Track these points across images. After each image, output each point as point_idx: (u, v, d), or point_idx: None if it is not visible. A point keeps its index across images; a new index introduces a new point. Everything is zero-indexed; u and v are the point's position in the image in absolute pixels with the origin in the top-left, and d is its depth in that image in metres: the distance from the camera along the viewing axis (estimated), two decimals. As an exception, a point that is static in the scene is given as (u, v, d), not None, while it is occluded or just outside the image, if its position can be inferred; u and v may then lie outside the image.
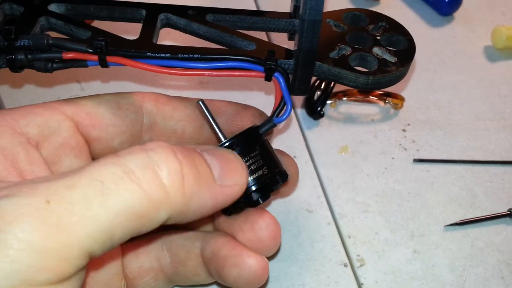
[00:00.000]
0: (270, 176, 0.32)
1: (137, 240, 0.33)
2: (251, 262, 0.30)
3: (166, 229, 0.32)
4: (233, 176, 0.27)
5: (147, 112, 0.33)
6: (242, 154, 0.31)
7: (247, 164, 0.31)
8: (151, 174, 0.23)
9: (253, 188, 0.31)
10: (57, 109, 0.30)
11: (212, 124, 0.32)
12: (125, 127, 0.32)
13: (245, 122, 0.35)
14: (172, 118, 0.33)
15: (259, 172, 0.32)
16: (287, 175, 0.34)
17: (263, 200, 0.32)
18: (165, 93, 0.35)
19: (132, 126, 0.32)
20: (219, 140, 0.32)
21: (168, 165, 0.24)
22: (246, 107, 0.36)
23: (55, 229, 0.21)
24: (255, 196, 0.32)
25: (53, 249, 0.20)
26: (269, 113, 0.34)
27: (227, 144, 0.31)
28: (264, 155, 0.32)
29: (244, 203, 0.32)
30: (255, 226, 0.32)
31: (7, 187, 0.22)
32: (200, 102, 0.32)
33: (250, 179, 0.31)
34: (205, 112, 0.32)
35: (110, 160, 0.23)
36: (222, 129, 0.32)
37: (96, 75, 0.49)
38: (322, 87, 0.47)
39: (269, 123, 0.33)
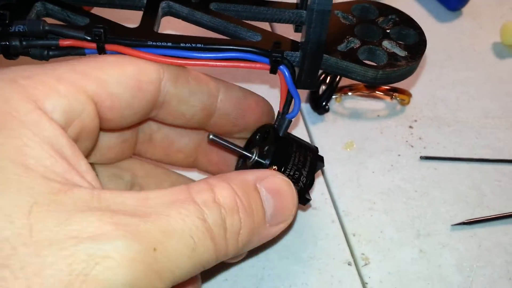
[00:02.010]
0: (316, 165, 0.34)
1: None
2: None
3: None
4: (284, 214, 0.29)
5: (163, 91, 0.30)
6: (285, 164, 0.32)
7: (292, 170, 0.33)
8: (222, 233, 0.25)
9: (309, 181, 0.33)
10: (80, 88, 0.26)
11: (234, 149, 0.33)
12: (141, 109, 0.29)
13: (253, 115, 0.34)
14: (187, 103, 0.31)
15: (306, 168, 0.33)
16: (322, 158, 0.35)
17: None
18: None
19: (147, 107, 0.30)
20: (248, 158, 0.33)
21: (233, 225, 0.26)
22: (246, 95, 0.34)
23: (155, 276, 0.22)
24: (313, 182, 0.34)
25: None
26: (274, 105, 0.34)
27: (267, 162, 0.32)
28: (300, 151, 0.33)
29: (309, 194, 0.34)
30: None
31: (101, 214, 0.22)
32: (212, 137, 0.31)
33: (304, 176, 0.33)
34: (221, 144, 0.32)
35: (193, 210, 0.24)
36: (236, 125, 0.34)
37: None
38: (328, 81, 0.46)
39: (284, 122, 0.32)
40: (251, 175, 0.29)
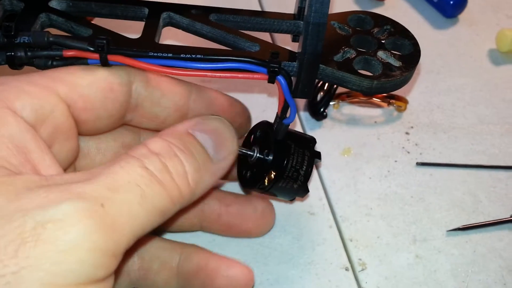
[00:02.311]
0: (316, 154, 0.37)
1: None
2: (240, 271, 0.33)
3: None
4: (225, 147, 0.30)
5: (135, 94, 0.32)
6: (285, 167, 0.35)
7: (291, 171, 0.35)
8: (168, 177, 0.26)
9: (310, 172, 0.35)
10: (51, 90, 0.28)
11: (243, 152, 0.35)
12: (115, 111, 0.31)
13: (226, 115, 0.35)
14: (159, 105, 0.33)
15: (305, 163, 0.35)
16: (319, 153, 0.37)
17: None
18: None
19: (121, 109, 0.31)
20: (249, 156, 0.35)
21: (176, 167, 0.27)
22: (218, 96, 0.36)
23: (110, 230, 0.23)
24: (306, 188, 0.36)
25: (110, 247, 0.23)
26: (272, 112, 0.35)
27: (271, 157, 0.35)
28: (298, 152, 0.35)
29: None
30: (266, 210, 0.38)
31: (48, 188, 0.23)
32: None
33: (302, 170, 0.35)
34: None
35: (134, 162, 0.25)
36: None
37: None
38: (325, 88, 0.47)
39: (282, 127, 0.33)
40: (181, 125, 0.30)
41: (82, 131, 0.31)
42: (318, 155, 0.37)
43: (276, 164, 0.35)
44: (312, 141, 0.37)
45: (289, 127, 0.34)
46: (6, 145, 0.24)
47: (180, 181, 0.27)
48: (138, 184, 0.25)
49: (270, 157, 0.35)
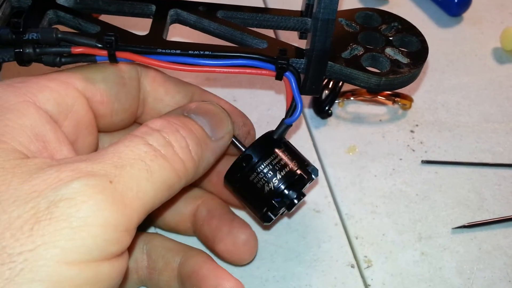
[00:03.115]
0: (298, 174, 0.33)
1: None
2: (228, 285, 0.32)
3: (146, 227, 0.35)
4: (222, 127, 0.31)
5: (142, 89, 0.33)
6: (262, 159, 0.33)
7: (270, 167, 0.33)
8: (172, 151, 0.27)
9: (282, 187, 0.32)
10: (70, 84, 0.29)
11: (234, 142, 0.34)
12: (128, 104, 0.32)
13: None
14: (162, 102, 0.33)
15: (282, 172, 0.33)
16: (317, 170, 0.35)
17: (298, 200, 0.33)
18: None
19: (134, 103, 0.32)
20: (239, 150, 0.34)
21: (178, 141, 0.28)
22: (220, 101, 0.35)
23: (121, 205, 0.23)
24: (290, 196, 0.33)
25: (121, 222, 0.23)
26: (277, 111, 0.34)
27: (246, 153, 0.33)
28: (288, 156, 0.33)
29: (280, 205, 0.33)
30: (236, 240, 0.35)
31: (59, 167, 0.23)
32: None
33: (277, 179, 0.33)
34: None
35: (137, 140, 0.26)
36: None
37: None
38: (330, 86, 0.47)
39: (282, 126, 0.33)
40: (177, 109, 0.32)
41: (99, 126, 0.31)
42: (308, 174, 0.34)
43: (247, 154, 0.33)
44: (307, 173, 0.34)
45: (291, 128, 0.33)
46: (26, 133, 0.25)
47: (183, 154, 0.28)
48: (143, 160, 0.25)
49: (247, 150, 0.33)
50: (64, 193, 0.22)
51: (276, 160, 0.33)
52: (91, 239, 0.22)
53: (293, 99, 0.31)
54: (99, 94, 0.30)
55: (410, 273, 0.38)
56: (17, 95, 0.26)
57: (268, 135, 0.34)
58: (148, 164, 0.25)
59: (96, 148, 0.32)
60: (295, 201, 0.33)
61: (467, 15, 0.58)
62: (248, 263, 0.37)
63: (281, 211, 0.34)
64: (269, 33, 0.35)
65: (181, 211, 0.36)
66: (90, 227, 0.22)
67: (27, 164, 0.23)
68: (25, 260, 0.21)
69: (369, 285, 0.37)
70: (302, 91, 0.32)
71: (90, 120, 0.30)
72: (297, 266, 0.38)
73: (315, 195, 0.42)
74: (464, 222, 0.41)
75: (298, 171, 0.33)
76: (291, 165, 0.33)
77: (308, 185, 0.34)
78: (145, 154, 0.26)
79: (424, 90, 0.50)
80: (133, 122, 0.34)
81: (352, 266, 0.38)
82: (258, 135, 0.35)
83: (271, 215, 0.33)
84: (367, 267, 0.38)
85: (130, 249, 0.31)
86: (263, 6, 0.56)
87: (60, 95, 0.28)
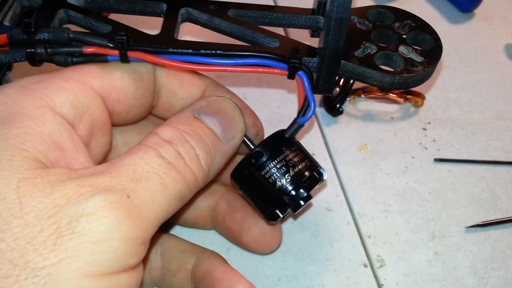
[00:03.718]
0: (307, 176, 0.33)
1: None
2: None
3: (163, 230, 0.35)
4: (233, 126, 0.31)
5: (157, 82, 0.32)
6: (272, 158, 0.32)
7: (280, 166, 0.32)
8: (183, 164, 0.27)
9: (290, 187, 0.32)
10: (86, 84, 0.29)
11: (245, 141, 0.33)
12: (145, 99, 0.32)
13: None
14: (175, 95, 0.33)
15: (292, 172, 0.32)
16: (326, 173, 0.34)
17: (305, 202, 0.33)
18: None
19: (150, 97, 0.32)
20: (249, 149, 0.33)
21: (188, 153, 0.28)
22: (232, 97, 0.34)
23: (138, 219, 0.24)
24: (297, 197, 0.32)
25: (139, 235, 0.24)
26: (288, 108, 0.33)
27: (257, 150, 0.32)
28: (298, 156, 0.33)
29: (287, 206, 0.33)
30: (264, 229, 0.36)
31: (78, 181, 0.24)
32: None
33: (283, 181, 0.32)
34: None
35: (151, 152, 0.27)
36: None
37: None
38: (341, 83, 0.47)
39: (294, 125, 0.32)
40: (187, 110, 0.31)
41: (114, 122, 0.31)
42: (319, 173, 0.33)
43: (258, 151, 0.32)
44: (317, 175, 0.33)
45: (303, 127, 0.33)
46: (45, 142, 0.25)
47: (194, 166, 0.28)
48: (157, 173, 0.26)
49: (258, 148, 0.32)
50: (84, 208, 0.23)
51: (287, 159, 0.33)
52: (111, 253, 0.23)
53: (306, 99, 0.31)
54: (115, 92, 0.30)
55: (423, 272, 0.37)
56: (34, 99, 0.26)
57: (280, 134, 0.33)
58: (162, 177, 0.26)
59: (110, 147, 0.32)
60: (302, 202, 0.32)
61: (478, 11, 0.58)
62: (271, 252, 0.38)
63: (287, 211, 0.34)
64: (279, 31, 0.34)
65: (200, 206, 0.37)
66: (110, 241, 0.23)
67: (48, 174, 0.24)
68: (48, 274, 0.21)
69: (382, 285, 0.37)
70: (315, 90, 0.32)
71: (106, 120, 0.30)
72: (310, 265, 0.37)
73: (327, 193, 0.41)
74: (478, 221, 0.40)
75: (307, 173, 0.33)
76: (301, 166, 0.33)
77: (316, 187, 0.34)
78: (159, 167, 0.26)
79: (436, 87, 0.50)
80: (147, 115, 0.34)
81: (365, 266, 0.38)
82: (269, 133, 0.34)
83: (278, 213, 0.33)
84: (380, 267, 0.38)
85: None
86: (273, 4, 0.56)
87: (76, 97, 0.28)
